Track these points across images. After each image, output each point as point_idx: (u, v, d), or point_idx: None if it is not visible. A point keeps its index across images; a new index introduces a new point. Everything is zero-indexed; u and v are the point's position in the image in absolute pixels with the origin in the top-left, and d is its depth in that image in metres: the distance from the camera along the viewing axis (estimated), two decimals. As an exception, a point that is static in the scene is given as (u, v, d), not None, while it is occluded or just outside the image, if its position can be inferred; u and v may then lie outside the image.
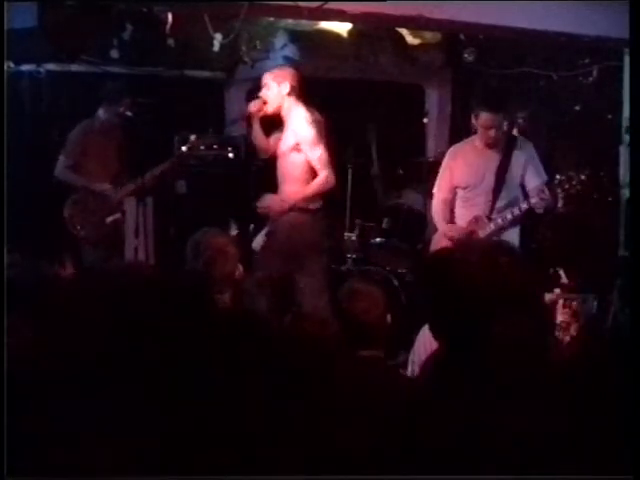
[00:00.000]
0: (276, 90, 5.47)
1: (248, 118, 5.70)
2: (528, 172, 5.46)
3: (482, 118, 5.40)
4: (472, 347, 1.85)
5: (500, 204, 5.46)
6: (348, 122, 6.98)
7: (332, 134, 5.61)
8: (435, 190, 5.74)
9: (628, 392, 1.83)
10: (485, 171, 5.50)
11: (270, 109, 5.53)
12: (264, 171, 6.72)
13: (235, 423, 1.79)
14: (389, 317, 3.40)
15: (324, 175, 5.41)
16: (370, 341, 3.22)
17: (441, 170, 5.73)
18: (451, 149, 5.83)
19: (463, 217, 5.57)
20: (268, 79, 5.51)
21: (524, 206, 5.34)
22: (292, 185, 5.49)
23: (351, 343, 3.12)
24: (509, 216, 5.39)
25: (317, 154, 5.41)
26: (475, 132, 5.64)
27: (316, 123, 5.45)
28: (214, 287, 3.72)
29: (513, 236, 5.43)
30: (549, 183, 5.36)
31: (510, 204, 5.43)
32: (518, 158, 5.47)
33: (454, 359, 1.88)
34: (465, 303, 1.85)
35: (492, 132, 5.39)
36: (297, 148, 5.45)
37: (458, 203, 5.64)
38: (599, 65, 6.39)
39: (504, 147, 5.49)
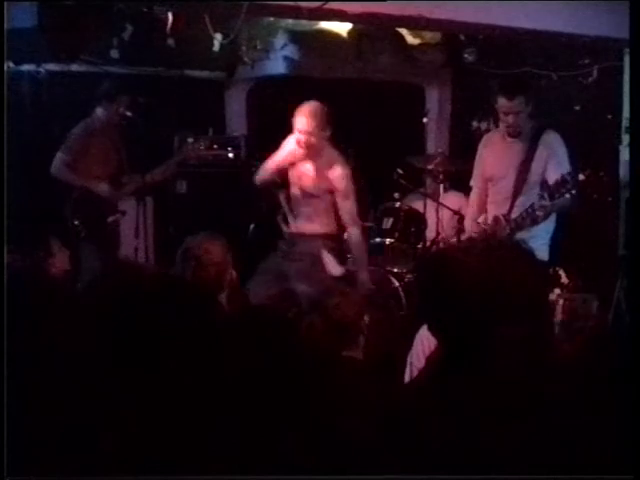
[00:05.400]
0: (317, 136, 5.27)
1: (283, 158, 5.50)
2: (549, 168, 5.14)
3: (499, 104, 5.19)
4: (472, 348, 1.85)
5: (519, 203, 5.17)
6: (348, 122, 6.98)
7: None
8: (472, 182, 5.59)
9: (628, 392, 1.83)
10: (509, 165, 5.27)
11: (309, 156, 5.38)
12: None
13: (225, 424, 1.79)
14: (366, 318, 3.40)
15: (356, 233, 5.49)
16: (344, 340, 3.22)
17: (475, 160, 5.56)
18: (484, 137, 5.65)
19: (489, 215, 5.33)
20: (307, 126, 5.25)
21: (529, 210, 5.00)
22: (329, 219, 5.54)
23: (326, 341, 3.13)
24: (519, 219, 5.07)
25: (348, 207, 5.43)
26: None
27: (349, 175, 5.41)
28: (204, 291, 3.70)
29: (541, 241, 5.10)
30: (572, 176, 4.91)
31: (528, 202, 5.08)
32: (541, 152, 5.18)
33: (453, 361, 1.88)
34: (466, 304, 1.85)
35: (510, 118, 5.15)
36: (330, 192, 5.43)
37: (488, 199, 5.45)
38: (599, 65, 6.39)
39: (529, 140, 5.22)
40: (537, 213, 5.03)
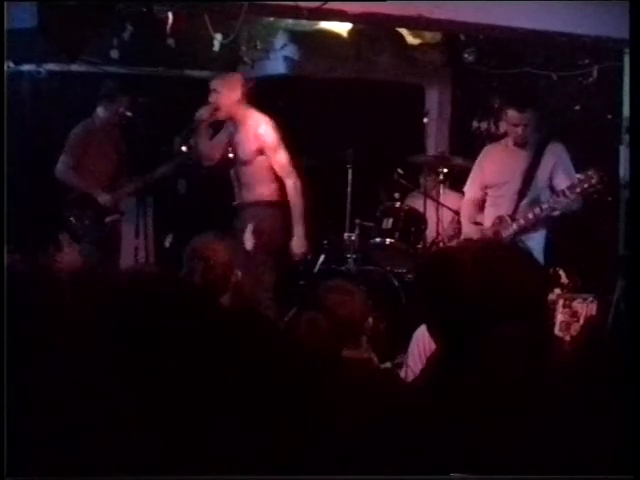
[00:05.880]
0: (227, 96, 5.60)
1: (197, 125, 5.75)
2: (558, 174, 5.37)
3: (509, 116, 5.38)
4: (471, 349, 1.85)
5: (524, 204, 5.37)
6: (348, 122, 6.98)
7: (288, 139, 5.76)
8: (466, 189, 5.75)
9: (628, 392, 1.83)
10: (514, 171, 5.45)
11: (222, 115, 5.68)
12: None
13: (225, 424, 1.79)
14: (371, 319, 3.40)
15: (292, 185, 5.64)
16: (346, 340, 3.21)
17: (473, 169, 5.73)
18: (485, 148, 5.82)
19: (489, 216, 5.53)
20: (217, 85, 5.62)
21: (545, 205, 5.24)
22: (264, 186, 5.69)
23: (329, 340, 3.12)
24: (530, 215, 5.29)
25: (280, 160, 5.63)
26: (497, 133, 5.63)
27: (276, 128, 5.65)
28: (212, 293, 3.71)
29: (537, 240, 5.35)
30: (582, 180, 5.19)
31: (534, 204, 5.34)
32: (547, 160, 5.39)
33: (452, 361, 1.88)
34: (465, 304, 1.85)
35: (519, 130, 5.33)
36: (261, 152, 5.63)
37: (487, 203, 5.61)
38: (599, 65, 6.39)
39: (535, 148, 5.43)
40: (552, 214, 5.17)
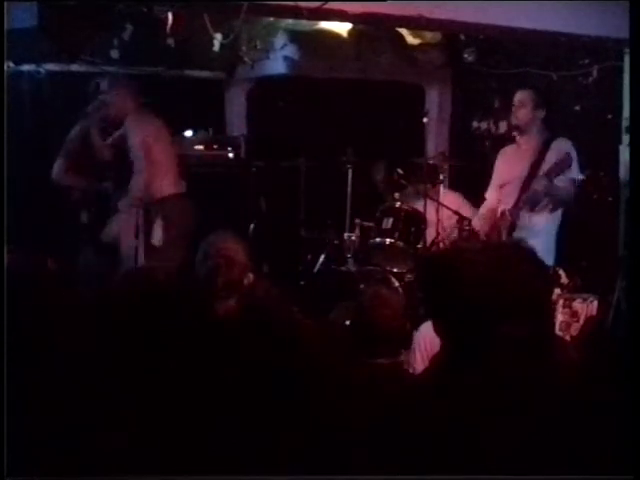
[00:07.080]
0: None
1: None
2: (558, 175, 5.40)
3: (516, 96, 5.53)
4: (477, 348, 1.85)
5: (524, 199, 5.42)
6: (348, 122, 6.98)
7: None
8: (487, 195, 5.88)
9: (629, 392, 1.83)
10: (519, 169, 5.55)
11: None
12: (265, 171, 6.74)
13: (225, 424, 1.79)
14: (409, 325, 3.40)
15: None
16: (389, 348, 3.19)
17: (493, 174, 5.88)
18: (500, 151, 5.94)
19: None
20: None
21: (539, 184, 5.30)
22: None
23: (368, 350, 3.11)
24: (525, 198, 5.36)
25: None
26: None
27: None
28: (220, 292, 3.70)
29: (547, 239, 5.38)
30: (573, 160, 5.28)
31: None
32: (551, 156, 5.45)
33: (457, 360, 1.88)
34: (468, 304, 1.85)
35: (523, 111, 5.46)
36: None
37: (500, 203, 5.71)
38: (599, 65, 6.39)
39: (541, 145, 5.51)
40: (537, 194, 5.21)
